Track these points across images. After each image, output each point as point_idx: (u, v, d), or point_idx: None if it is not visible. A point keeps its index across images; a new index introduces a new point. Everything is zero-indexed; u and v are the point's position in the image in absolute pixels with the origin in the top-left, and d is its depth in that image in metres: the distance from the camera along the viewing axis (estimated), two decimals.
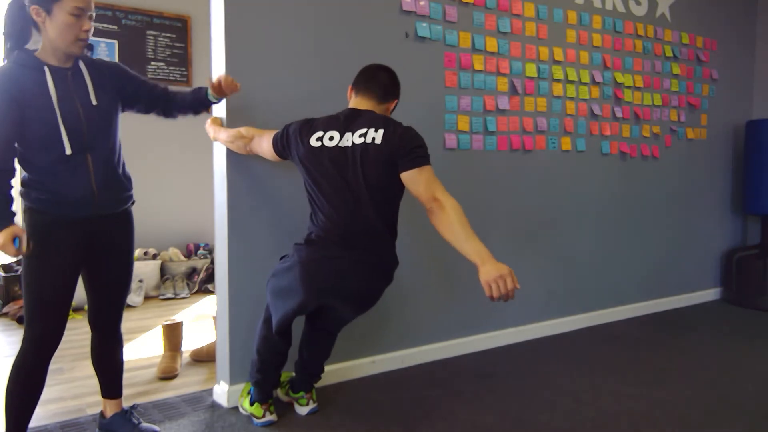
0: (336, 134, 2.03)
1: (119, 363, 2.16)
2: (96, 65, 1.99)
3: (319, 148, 2.02)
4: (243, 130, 2.29)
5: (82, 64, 1.94)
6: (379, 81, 2.15)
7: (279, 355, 2.26)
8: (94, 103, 1.92)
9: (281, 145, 2.15)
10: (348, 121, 2.05)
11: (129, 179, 2.12)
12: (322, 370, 2.41)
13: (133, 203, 2.16)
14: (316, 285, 2.04)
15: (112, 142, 1.99)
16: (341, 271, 2.02)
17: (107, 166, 1.97)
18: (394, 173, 1.99)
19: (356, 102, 2.14)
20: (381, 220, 2.03)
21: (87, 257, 1.98)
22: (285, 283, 2.11)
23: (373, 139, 1.98)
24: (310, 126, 2.09)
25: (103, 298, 2.08)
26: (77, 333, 3.26)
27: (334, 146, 2.01)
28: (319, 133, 2.04)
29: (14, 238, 1.78)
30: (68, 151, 1.85)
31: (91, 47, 1.92)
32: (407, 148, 1.97)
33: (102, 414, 2.18)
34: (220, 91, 2.16)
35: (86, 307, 2.11)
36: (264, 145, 2.22)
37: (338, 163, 2.00)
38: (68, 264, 1.91)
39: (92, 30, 1.92)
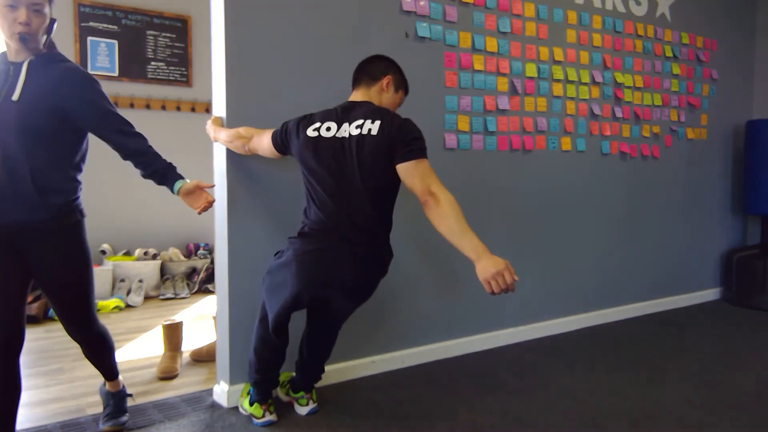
0: (333, 125, 2.03)
1: (109, 356, 2.18)
2: (55, 67, 1.87)
3: (316, 138, 2.03)
4: (242, 130, 2.29)
5: (27, 62, 1.84)
6: (365, 67, 2.18)
7: (277, 355, 2.26)
8: (14, 98, 1.78)
9: (280, 140, 2.16)
10: (345, 112, 2.07)
11: (54, 191, 1.88)
12: (323, 371, 2.40)
13: (67, 217, 1.92)
14: (312, 277, 2.03)
15: (27, 146, 1.81)
16: (336, 262, 2.01)
17: (13, 173, 1.80)
18: (390, 165, 1.96)
19: (353, 96, 2.17)
20: (375, 211, 2.02)
21: (25, 269, 1.88)
22: (280, 279, 2.10)
23: (369, 130, 1.97)
24: (308, 119, 2.10)
25: (64, 318, 2.02)
26: None
27: (330, 137, 2.01)
28: (317, 124, 2.06)
29: None
30: None
31: (23, 39, 1.79)
32: (404, 140, 1.95)
33: (104, 383, 2.27)
34: (191, 200, 2.06)
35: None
36: (264, 142, 2.22)
37: (335, 154, 2.00)
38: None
39: (41, 23, 1.83)
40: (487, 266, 1.73)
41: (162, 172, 2.04)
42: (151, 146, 2.03)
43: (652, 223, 3.95)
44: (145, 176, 2.07)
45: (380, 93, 2.15)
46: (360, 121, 2.00)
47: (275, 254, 2.21)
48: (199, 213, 2.09)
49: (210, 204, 2.09)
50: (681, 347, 3.26)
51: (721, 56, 4.29)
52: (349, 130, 2.01)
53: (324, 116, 2.09)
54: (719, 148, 4.36)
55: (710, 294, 4.39)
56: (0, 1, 1.77)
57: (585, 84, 3.51)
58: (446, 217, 1.87)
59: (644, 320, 3.80)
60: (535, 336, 3.38)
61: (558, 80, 3.39)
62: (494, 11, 3.11)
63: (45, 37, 1.88)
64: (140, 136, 2.02)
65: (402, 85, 2.23)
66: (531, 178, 3.31)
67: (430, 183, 1.93)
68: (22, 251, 1.86)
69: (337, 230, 2.01)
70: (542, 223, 3.39)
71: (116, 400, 2.23)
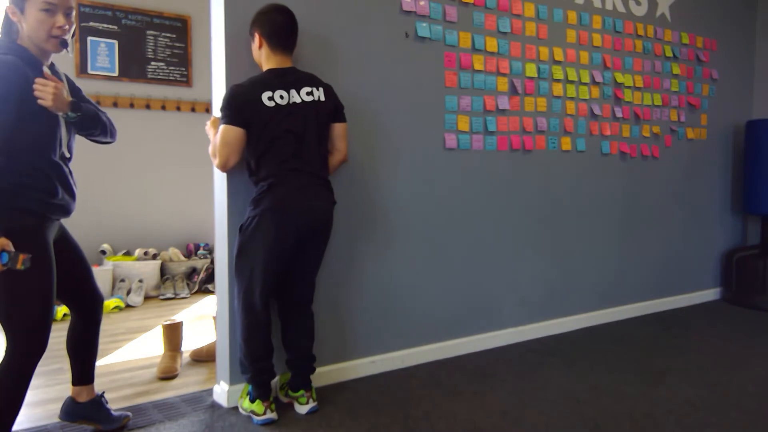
0: (284, 93, 2.25)
1: (96, 346, 2.20)
2: (59, 74, 1.99)
3: (275, 106, 2.23)
4: (211, 152, 2.33)
5: (59, 69, 1.95)
6: (294, 36, 2.33)
7: (266, 338, 2.29)
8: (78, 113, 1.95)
9: (243, 122, 2.19)
10: (285, 79, 2.27)
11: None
12: (314, 359, 2.42)
13: None
14: (290, 216, 2.23)
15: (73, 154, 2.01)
16: (305, 198, 2.27)
17: (70, 170, 1.99)
18: (329, 124, 2.39)
19: (280, 61, 2.29)
20: (324, 160, 2.38)
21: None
22: (258, 242, 2.22)
23: (319, 97, 2.31)
24: (251, 91, 2.21)
25: (82, 285, 2.10)
26: None
27: (286, 104, 2.24)
28: (268, 93, 2.22)
29: (1, 252, 1.61)
30: (68, 155, 1.90)
31: (65, 44, 1.88)
32: (340, 105, 2.42)
33: (73, 400, 2.18)
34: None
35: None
36: (218, 141, 2.22)
37: (294, 118, 2.25)
38: (54, 269, 1.87)
39: (71, 27, 1.88)
40: None
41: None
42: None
43: (652, 223, 3.95)
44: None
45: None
46: (308, 89, 2.30)
47: (240, 229, 2.28)
48: (49, 105, 1.81)
49: (47, 87, 1.84)
50: (681, 347, 3.26)
51: (721, 56, 4.29)
52: (301, 96, 2.27)
53: (268, 85, 2.22)
54: (719, 148, 4.35)
55: (710, 294, 4.39)
56: (34, 5, 1.79)
57: (585, 84, 3.51)
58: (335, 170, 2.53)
59: (644, 320, 3.80)
60: (535, 336, 3.38)
61: (558, 80, 3.39)
62: (494, 11, 3.11)
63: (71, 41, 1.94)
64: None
65: None
66: (531, 178, 3.31)
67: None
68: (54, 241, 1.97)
69: (299, 179, 2.26)
70: (542, 223, 3.39)
71: (102, 408, 2.19)
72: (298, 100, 2.26)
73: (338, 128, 2.42)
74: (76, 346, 2.16)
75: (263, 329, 2.28)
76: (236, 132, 2.19)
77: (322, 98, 2.32)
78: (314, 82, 2.33)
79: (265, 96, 2.21)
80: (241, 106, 2.19)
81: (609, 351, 3.17)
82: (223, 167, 2.27)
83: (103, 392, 2.28)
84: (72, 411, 2.18)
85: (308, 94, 2.29)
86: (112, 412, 2.21)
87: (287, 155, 2.24)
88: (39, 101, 1.81)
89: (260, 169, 2.25)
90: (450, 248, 3.04)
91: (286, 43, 2.29)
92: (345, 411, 2.38)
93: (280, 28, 2.26)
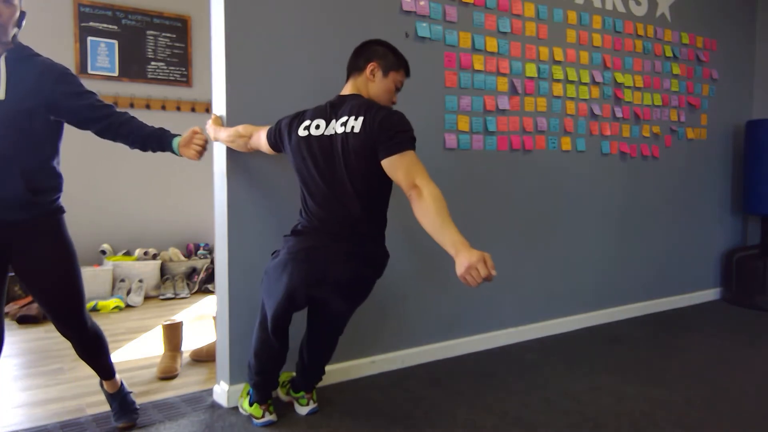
0: (322, 122, 2.01)
1: (103, 354, 2.15)
2: (30, 63, 1.85)
3: (306, 137, 2.02)
4: (241, 128, 2.29)
5: (3, 58, 1.81)
6: (353, 57, 2.14)
7: (277, 358, 2.25)
8: (1, 97, 1.78)
9: (274, 139, 2.17)
10: (334, 108, 2.04)
11: (43, 191, 1.89)
12: (323, 373, 2.40)
13: (53, 214, 1.93)
14: (305, 275, 2.02)
15: (15, 145, 1.80)
16: (328, 260, 2.01)
17: (1, 174, 1.80)
18: (376, 163, 1.92)
19: (344, 89, 2.15)
20: (365, 211, 2.00)
21: (5, 268, 1.88)
22: (276, 278, 2.08)
23: (353, 128, 1.93)
24: (300, 117, 2.10)
25: (55, 315, 1.99)
26: None
27: (320, 135, 2.00)
28: (307, 122, 2.04)
29: None
30: None
31: None
32: (386, 134, 1.89)
33: (102, 383, 2.26)
34: (188, 150, 2.08)
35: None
36: (262, 139, 2.23)
37: (324, 153, 1.99)
38: None
39: (11, 14, 1.79)
40: (461, 261, 1.62)
41: (157, 135, 2.07)
42: (133, 116, 2.06)
43: (652, 223, 3.95)
44: (141, 147, 2.07)
45: (367, 83, 2.10)
46: (344, 118, 1.97)
47: (272, 254, 2.21)
48: (198, 158, 2.11)
49: (204, 144, 2.11)
50: (681, 347, 3.26)
51: (721, 56, 4.29)
52: (335, 127, 1.98)
53: (314, 113, 2.07)
54: (719, 148, 4.35)
55: (710, 294, 4.39)
56: None
57: (585, 84, 3.51)
58: (428, 212, 1.78)
59: (644, 320, 3.80)
60: (535, 336, 3.38)
61: (558, 80, 3.39)
62: (494, 11, 3.11)
63: (15, 30, 1.84)
64: (120, 113, 2.02)
65: (394, 66, 2.11)
66: (531, 178, 3.31)
67: (415, 176, 1.84)
68: (7, 250, 1.85)
69: (328, 229, 2.02)
70: (542, 223, 3.39)
71: (118, 401, 2.23)
72: (333, 133, 1.98)
73: (386, 164, 1.89)
74: (79, 356, 2.16)
75: (275, 352, 2.22)
76: (266, 142, 2.19)
77: (356, 129, 1.92)
78: (357, 110, 1.96)
79: (302, 125, 2.03)
80: (278, 125, 2.14)
81: (609, 351, 3.17)
82: (250, 149, 2.28)
83: (131, 391, 2.31)
84: (102, 391, 2.27)
85: (342, 124, 1.96)
86: (131, 413, 2.23)
87: (317, 199, 2.01)
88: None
89: (301, 205, 2.12)
90: None
91: (348, 66, 2.15)
92: (345, 411, 2.38)
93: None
